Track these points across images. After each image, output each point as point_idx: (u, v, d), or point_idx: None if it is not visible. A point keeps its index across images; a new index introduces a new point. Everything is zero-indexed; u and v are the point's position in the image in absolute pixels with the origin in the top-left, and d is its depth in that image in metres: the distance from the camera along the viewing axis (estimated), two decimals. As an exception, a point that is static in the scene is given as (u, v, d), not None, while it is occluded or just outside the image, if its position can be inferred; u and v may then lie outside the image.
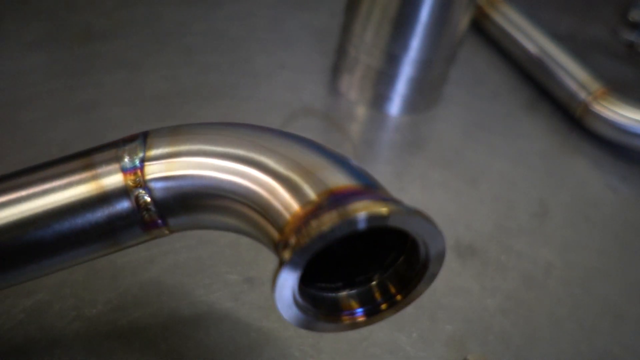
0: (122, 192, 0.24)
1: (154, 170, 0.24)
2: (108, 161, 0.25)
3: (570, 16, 0.77)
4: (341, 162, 0.23)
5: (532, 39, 0.62)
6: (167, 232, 0.26)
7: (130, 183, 0.24)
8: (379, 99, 0.53)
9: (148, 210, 0.25)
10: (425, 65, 0.51)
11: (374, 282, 0.25)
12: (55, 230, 0.24)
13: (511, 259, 0.43)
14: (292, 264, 0.20)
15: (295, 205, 0.21)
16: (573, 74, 0.58)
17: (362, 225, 0.20)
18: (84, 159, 0.25)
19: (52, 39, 0.53)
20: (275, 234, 0.22)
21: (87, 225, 0.24)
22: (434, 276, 0.24)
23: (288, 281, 0.21)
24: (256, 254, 0.39)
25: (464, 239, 0.44)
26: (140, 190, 0.24)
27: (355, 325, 0.25)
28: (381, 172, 0.48)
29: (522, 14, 0.65)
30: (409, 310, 0.38)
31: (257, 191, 0.23)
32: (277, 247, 0.22)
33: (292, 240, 0.21)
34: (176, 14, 0.60)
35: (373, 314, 0.25)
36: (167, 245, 0.38)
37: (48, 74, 0.49)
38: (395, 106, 0.54)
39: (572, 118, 0.58)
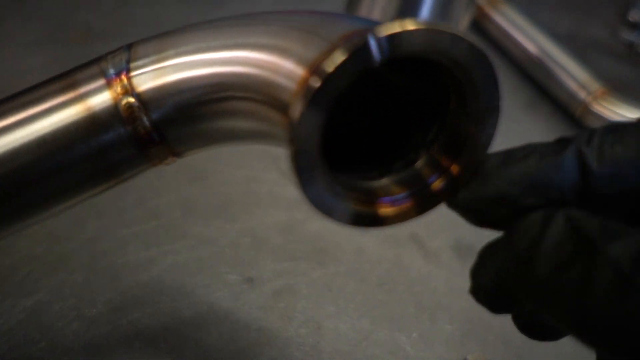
0: (111, 108, 0.22)
1: (143, 78, 0.22)
2: (92, 77, 0.22)
3: (570, 16, 0.77)
4: (341, 15, 0.20)
5: (532, 39, 0.62)
6: (169, 153, 0.23)
7: (118, 91, 0.22)
8: (379, 99, 0.53)
9: (141, 120, 0.21)
10: (425, 65, 0.51)
11: (419, 162, 0.21)
12: (42, 161, 0.21)
13: (511, 259, 0.43)
14: (306, 120, 0.16)
15: (299, 70, 0.17)
16: (573, 74, 0.58)
17: (381, 49, 0.16)
18: (66, 78, 0.22)
19: (52, 39, 0.53)
20: (285, 117, 0.18)
21: (78, 152, 0.22)
22: (494, 127, 0.20)
23: (308, 154, 0.16)
24: (256, 254, 0.39)
25: (464, 239, 0.44)
26: (129, 98, 0.21)
27: (405, 215, 0.21)
28: (381, 172, 0.48)
29: (522, 14, 0.65)
30: (409, 310, 0.38)
31: (254, 74, 0.19)
32: (288, 122, 0.17)
33: (301, 94, 0.16)
34: (176, 14, 0.60)
35: (424, 197, 0.21)
36: (167, 246, 0.38)
37: (48, 74, 0.49)
38: (395, 106, 0.54)
39: (572, 118, 0.58)
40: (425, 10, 0.46)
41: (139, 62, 0.22)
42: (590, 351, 0.39)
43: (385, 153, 0.21)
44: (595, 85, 0.56)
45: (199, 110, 0.22)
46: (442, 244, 0.43)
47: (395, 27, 0.16)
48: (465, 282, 0.43)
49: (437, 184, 0.21)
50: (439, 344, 0.36)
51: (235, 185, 0.43)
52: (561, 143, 0.20)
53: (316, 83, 0.16)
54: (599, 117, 0.55)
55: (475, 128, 0.20)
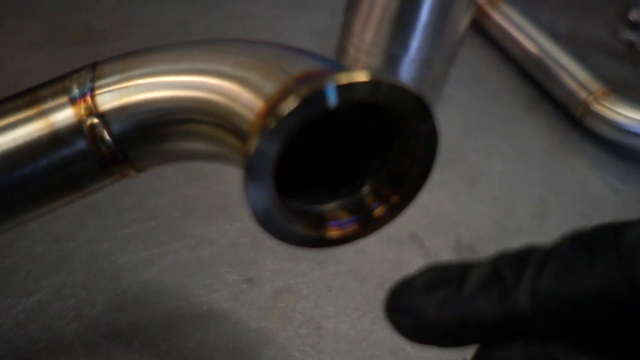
0: (73, 125, 0.22)
1: (106, 98, 0.22)
2: (55, 94, 0.23)
3: (570, 16, 0.77)
4: (301, 52, 0.21)
5: (532, 39, 0.62)
6: (131, 168, 0.24)
7: (82, 112, 0.22)
8: (379, 99, 0.53)
9: (104, 141, 0.22)
10: (425, 66, 0.51)
11: (364, 189, 0.23)
12: (7, 173, 0.22)
13: (511, 259, 0.43)
14: (259, 154, 0.18)
15: (258, 102, 0.19)
16: (573, 74, 0.58)
17: (333, 97, 0.17)
18: (29, 95, 0.23)
19: (52, 39, 0.53)
20: (242, 144, 0.19)
21: (39, 168, 0.22)
22: (431, 165, 0.22)
23: (261, 185, 0.18)
24: (256, 254, 0.39)
25: (464, 239, 0.44)
26: (93, 119, 0.22)
27: (347, 239, 0.22)
28: (381, 172, 0.48)
29: (522, 14, 0.65)
30: (409, 310, 0.38)
31: (215, 101, 0.20)
32: (243, 152, 0.19)
33: (257, 130, 0.18)
34: (176, 14, 0.60)
35: (366, 222, 0.22)
36: (167, 246, 0.38)
37: (48, 74, 0.49)
38: (395, 106, 0.54)
39: (572, 118, 0.58)
40: (425, 10, 0.46)
41: (103, 82, 0.23)
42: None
43: (334, 178, 0.23)
44: (595, 85, 0.56)
45: (161, 131, 0.22)
46: (442, 244, 0.43)
47: (351, 77, 0.17)
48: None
49: (379, 211, 0.22)
50: (439, 344, 0.36)
51: (235, 185, 0.43)
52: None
53: (271, 124, 0.17)
54: (599, 117, 0.55)
55: (413, 166, 0.22)
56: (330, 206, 0.22)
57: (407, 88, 0.18)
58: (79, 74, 0.23)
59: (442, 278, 0.18)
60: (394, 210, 0.22)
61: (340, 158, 0.23)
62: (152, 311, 0.34)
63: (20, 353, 0.31)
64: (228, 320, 0.35)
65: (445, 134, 0.54)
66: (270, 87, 0.19)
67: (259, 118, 0.18)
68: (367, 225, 0.22)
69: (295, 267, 0.38)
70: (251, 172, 0.18)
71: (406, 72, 0.51)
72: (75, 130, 0.22)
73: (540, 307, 0.16)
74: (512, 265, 0.18)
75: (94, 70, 0.23)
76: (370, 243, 0.41)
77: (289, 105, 0.17)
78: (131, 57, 0.23)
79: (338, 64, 0.20)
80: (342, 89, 0.18)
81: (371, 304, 0.38)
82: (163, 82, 0.22)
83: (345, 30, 0.53)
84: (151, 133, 0.22)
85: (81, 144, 0.22)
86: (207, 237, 0.39)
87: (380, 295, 0.38)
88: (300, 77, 0.18)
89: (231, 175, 0.44)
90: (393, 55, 0.50)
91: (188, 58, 0.22)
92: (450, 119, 0.56)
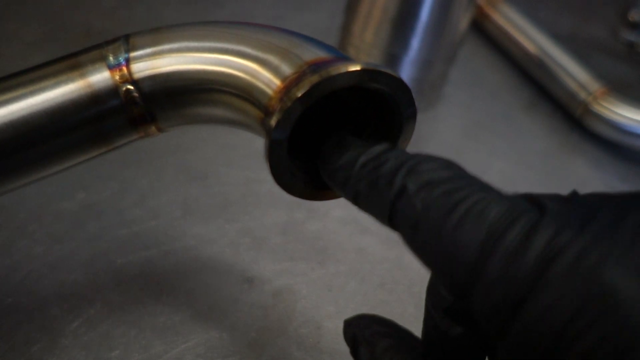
0: (110, 89, 0.25)
1: (140, 67, 0.25)
2: (94, 60, 0.25)
3: (570, 16, 0.77)
4: (313, 41, 0.25)
5: (532, 39, 0.62)
6: (155, 129, 0.26)
7: (117, 79, 0.25)
8: (379, 99, 0.53)
9: (137, 104, 0.25)
10: (425, 65, 0.51)
11: None
12: (47, 129, 0.25)
13: (511, 259, 0.43)
14: (280, 128, 0.22)
15: (276, 81, 0.23)
16: (573, 74, 0.58)
17: (339, 81, 0.21)
18: (70, 60, 0.26)
19: (52, 39, 0.53)
20: (261, 113, 0.23)
21: (78, 122, 0.25)
22: (410, 133, 0.26)
23: (279, 148, 0.22)
24: (256, 254, 0.39)
25: (464, 239, 0.44)
26: (128, 86, 0.25)
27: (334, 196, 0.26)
28: (381, 172, 0.48)
29: (522, 14, 0.65)
30: (409, 310, 0.38)
31: (239, 76, 0.24)
32: (264, 123, 0.23)
33: (277, 107, 0.22)
34: (176, 14, 0.60)
35: None
36: (167, 245, 0.38)
37: (48, 74, 0.49)
38: (395, 106, 0.54)
39: (572, 118, 0.58)
40: (425, 10, 0.46)
41: (137, 53, 0.25)
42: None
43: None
44: (595, 85, 0.56)
45: (187, 98, 0.25)
46: (442, 244, 0.43)
47: (352, 66, 0.21)
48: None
49: None
50: (439, 344, 0.36)
51: (235, 186, 0.43)
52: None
53: (288, 102, 0.21)
54: (599, 117, 0.55)
55: (397, 133, 0.25)
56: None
57: (396, 76, 0.22)
58: (115, 45, 0.26)
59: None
60: None
61: (339, 123, 0.27)
62: (152, 311, 0.34)
63: (20, 353, 0.31)
64: (228, 320, 0.35)
65: (445, 134, 0.54)
66: (287, 69, 0.23)
67: (277, 94, 0.22)
68: None
69: (295, 267, 0.38)
70: (272, 140, 0.22)
71: (406, 72, 0.51)
72: (112, 93, 0.25)
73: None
74: None
75: (127, 42, 0.26)
76: (371, 243, 0.41)
77: (304, 87, 0.21)
78: (161, 32, 0.26)
79: (341, 54, 0.24)
80: (345, 76, 0.21)
81: (371, 304, 0.38)
82: (191, 57, 0.25)
83: (345, 30, 0.53)
84: (178, 99, 0.25)
85: (116, 104, 0.25)
86: (207, 237, 0.39)
87: (380, 295, 0.38)
88: (312, 62, 0.22)
89: (231, 175, 0.44)
90: (393, 55, 0.50)
91: (213, 37, 0.25)
92: (450, 119, 0.56)
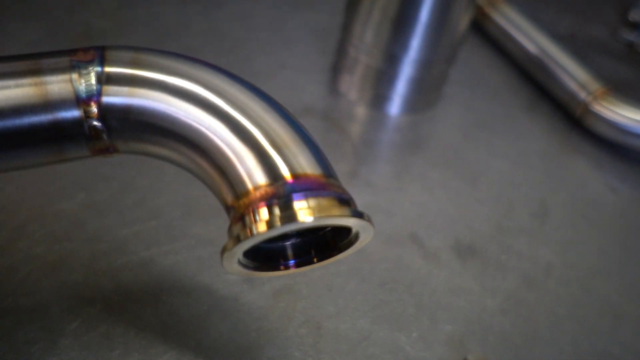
0: (75, 121, 0.23)
1: (111, 100, 0.23)
2: (61, 83, 0.23)
3: (570, 16, 0.77)
4: (307, 141, 0.24)
5: (532, 39, 0.62)
6: (114, 154, 0.25)
7: (84, 114, 0.23)
8: (379, 99, 0.53)
9: (101, 139, 0.24)
10: (425, 65, 0.51)
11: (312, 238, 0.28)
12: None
13: (511, 259, 0.43)
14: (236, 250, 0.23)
15: (263, 180, 0.23)
16: (573, 74, 0.58)
17: (304, 226, 0.22)
18: (35, 74, 0.23)
19: (52, 39, 0.53)
20: (229, 196, 0.23)
21: (30, 129, 0.23)
22: (353, 250, 0.28)
23: (234, 255, 0.24)
24: (256, 254, 0.39)
25: (464, 239, 0.44)
26: (95, 122, 0.23)
27: (285, 270, 0.28)
28: (381, 172, 0.48)
29: (522, 14, 0.65)
30: (409, 310, 0.38)
31: (225, 151, 0.23)
32: (229, 210, 0.24)
33: (241, 225, 0.23)
34: (176, 14, 0.60)
35: (304, 264, 0.28)
36: (167, 246, 0.38)
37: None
38: (395, 106, 0.54)
39: (572, 118, 0.58)
40: (425, 10, 0.46)
41: (111, 89, 0.23)
42: (590, 352, 0.39)
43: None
44: (595, 85, 0.56)
45: (158, 144, 0.24)
46: (442, 244, 0.43)
47: (322, 215, 0.22)
48: (465, 282, 0.43)
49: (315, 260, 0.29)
50: (439, 344, 0.36)
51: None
52: None
53: (246, 233, 0.23)
54: (599, 117, 0.55)
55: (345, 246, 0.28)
56: (286, 245, 0.28)
57: (367, 220, 0.24)
58: (87, 69, 0.23)
59: None
60: (312, 261, 0.28)
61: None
62: (152, 311, 0.34)
63: (20, 353, 0.31)
64: (228, 320, 0.35)
65: (445, 134, 0.54)
66: (275, 172, 0.23)
67: (254, 195, 0.23)
68: (303, 266, 0.28)
69: (295, 267, 0.38)
70: (226, 255, 0.24)
71: (406, 72, 0.51)
72: (76, 125, 0.23)
73: None
74: None
75: (102, 63, 0.23)
76: (370, 243, 0.41)
77: (270, 226, 0.22)
78: (141, 59, 0.24)
79: (328, 171, 0.24)
80: (314, 220, 0.22)
81: (371, 304, 0.38)
82: (174, 101, 0.23)
83: (345, 30, 0.53)
84: (148, 141, 0.24)
85: (78, 134, 0.23)
86: (207, 237, 0.39)
87: (380, 295, 0.38)
88: (296, 182, 0.23)
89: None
90: (393, 55, 0.50)
91: (207, 85, 0.24)
92: (450, 119, 0.56)
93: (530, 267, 0.43)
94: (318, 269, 0.39)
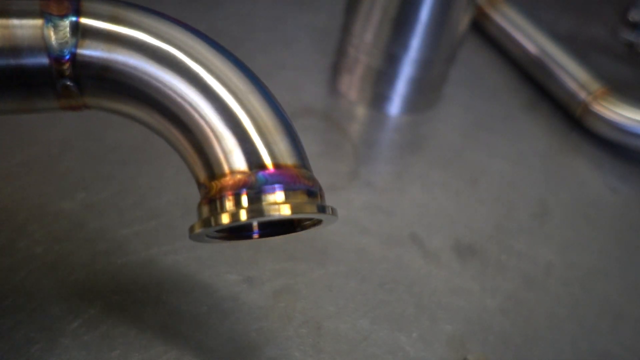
0: (45, 76, 0.21)
1: (85, 58, 0.21)
2: (31, 36, 0.21)
3: (570, 16, 0.77)
4: (286, 126, 0.24)
5: (532, 39, 0.62)
6: (82, 109, 0.24)
7: (55, 72, 0.21)
8: (379, 99, 0.53)
9: (72, 96, 0.22)
10: (425, 65, 0.51)
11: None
12: None
13: (511, 259, 0.43)
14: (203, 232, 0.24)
15: (240, 165, 0.23)
16: (573, 74, 0.58)
17: (269, 219, 0.23)
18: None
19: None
20: (202, 174, 0.23)
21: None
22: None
23: (202, 235, 0.25)
24: (255, 253, 0.39)
25: (464, 239, 0.44)
26: (67, 82, 0.21)
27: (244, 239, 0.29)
28: (381, 172, 0.48)
29: (522, 14, 0.65)
30: (409, 310, 0.38)
31: (205, 129, 0.23)
32: (200, 186, 0.24)
33: (210, 208, 0.24)
34: (176, 14, 0.60)
35: (267, 235, 0.29)
36: (167, 245, 0.38)
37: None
38: (395, 106, 0.54)
39: (572, 118, 0.58)
40: (425, 10, 0.46)
41: (86, 46, 0.21)
42: (590, 352, 0.39)
43: None
44: (595, 85, 0.56)
45: (132, 106, 0.23)
46: (442, 244, 0.43)
47: (291, 212, 0.23)
48: (466, 282, 0.43)
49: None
50: (439, 344, 0.36)
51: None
52: None
53: (214, 221, 0.23)
54: (599, 117, 0.55)
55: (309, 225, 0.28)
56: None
57: (332, 216, 0.25)
58: (60, 22, 0.21)
59: None
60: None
61: None
62: (152, 311, 0.34)
63: (20, 353, 0.31)
64: (228, 320, 0.35)
65: (445, 134, 0.54)
66: (239, 162, 0.23)
67: (228, 180, 0.23)
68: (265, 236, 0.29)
69: (295, 267, 0.38)
70: (193, 235, 0.25)
71: (406, 72, 0.51)
72: (46, 80, 0.21)
73: None
74: None
75: (77, 14, 0.21)
76: (370, 243, 0.41)
77: (237, 218, 0.23)
78: (121, 14, 0.22)
79: (302, 160, 0.24)
80: (281, 216, 0.23)
81: (371, 304, 0.38)
82: (155, 72, 0.22)
83: (345, 30, 0.53)
84: (121, 101, 0.23)
85: (48, 93, 0.22)
86: (207, 237, 0.39)
87: (380, 295, 0.38)
88: (272, 173, 0.23)
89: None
90: (393, 55, 0.50)
91: (194, 55, 0.23)
92: (450, 119, 0.56)
93: (530, 267, 0.43)
94: (318, 270, 0.39)
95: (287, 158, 0.23)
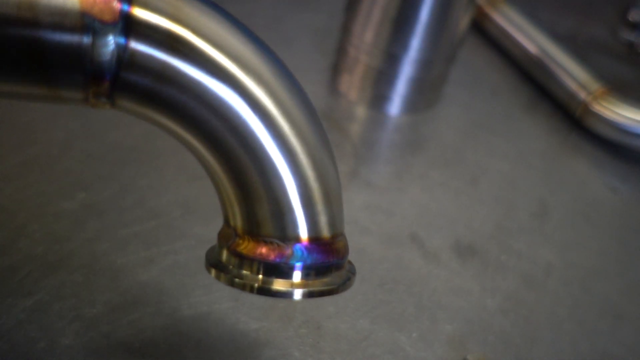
0: (75, 94, 0.18)
1: (132, 77, 0.18)
2: (67, 62, 0.17)
3: (570, 16, 0.77)
4: (338, 198, 0.23)
5: (532, 39, 0.62)
6: (108, 107, 0.20)
7: (90, 95, 0.18)
8: (379, 99, 0.53)
9: (99, 96, 0.18)
10: (425, 65, 0.51)
11: None
12: None
13: (511, 259, 0.43)
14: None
15: (280, 232, 0.22)
16: (573, 74, 0.58)
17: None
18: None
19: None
20: (240, 224, 0.23)
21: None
22: None
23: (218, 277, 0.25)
24: (256, 254, 0.39)
25: (464, 239, 0.44)
26: (102, 99, 0.18)
27: None
28: (381, 172, 0.48)
29: (522, 14, 0.65)
30: (409, 310, 0.38)
31: (263, 188, 0.21)
32: (229, 227, 0.24)
33: (237, 265, 0.23)
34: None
35: None
36: (167, 246, 0.38)
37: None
38: (395, 106, 0.54)
39: (572, 118, 0.58)
40: (425, 10, 0.46)
41: (133, 72, 0.18)
42: (590, 352, 0.39)
43: None
44: (595, 85, 0.56)
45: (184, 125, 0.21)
46: (442, 244, 0.43)
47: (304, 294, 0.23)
48: (465, 282, 0.43)
49: None
50: (439, 344, 0.36)
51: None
52: None
53: (237, 286, 0.24)
54: (599, 117, 0.55)
55: None
56: None
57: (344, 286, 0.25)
58: (105, 29, 0.17)
59: None
60: None
61: None
62: (152, 311, 0.34)
63: (20, 353, 0.31)
64: (228, 320, 0.35)
65: (445, 133, 0.54)
66: (274, 234, 0.22)
67: (241, 243, 0.23)
68: None
69: (295, 267, 0.38)
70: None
71: (406, 72, 0.51)
72: (76, 95, 0.19)
73: None
74: None
75: (126, 34, 0.17)
76: (370, 243, 0.41)
77: (249, 288, 0.23)
78: (184, 12, 0.19)
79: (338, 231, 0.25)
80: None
81: (371, 304, 0.38)
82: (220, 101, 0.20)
83: (345, 30, 0.53)
84: (170, 119, 0.20)
85: (77, 97, 0.19)
86: (207, 237, 0.39)
87: (380, 295, 0.38)
88: (304, 249, 0.23)
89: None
90: (393, 55, 0.50)
91: (269, 88, 0.21)
92: (450, 119, 0.56)
93: (530, 267, 0.43)
94: (318, 269, 0.39)
95: (326, 230, 0.23)
